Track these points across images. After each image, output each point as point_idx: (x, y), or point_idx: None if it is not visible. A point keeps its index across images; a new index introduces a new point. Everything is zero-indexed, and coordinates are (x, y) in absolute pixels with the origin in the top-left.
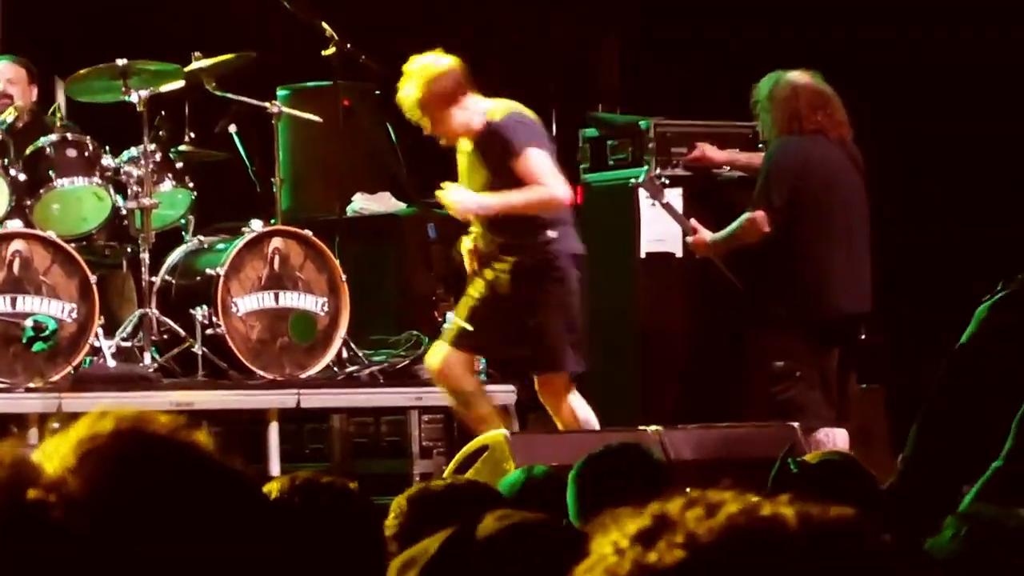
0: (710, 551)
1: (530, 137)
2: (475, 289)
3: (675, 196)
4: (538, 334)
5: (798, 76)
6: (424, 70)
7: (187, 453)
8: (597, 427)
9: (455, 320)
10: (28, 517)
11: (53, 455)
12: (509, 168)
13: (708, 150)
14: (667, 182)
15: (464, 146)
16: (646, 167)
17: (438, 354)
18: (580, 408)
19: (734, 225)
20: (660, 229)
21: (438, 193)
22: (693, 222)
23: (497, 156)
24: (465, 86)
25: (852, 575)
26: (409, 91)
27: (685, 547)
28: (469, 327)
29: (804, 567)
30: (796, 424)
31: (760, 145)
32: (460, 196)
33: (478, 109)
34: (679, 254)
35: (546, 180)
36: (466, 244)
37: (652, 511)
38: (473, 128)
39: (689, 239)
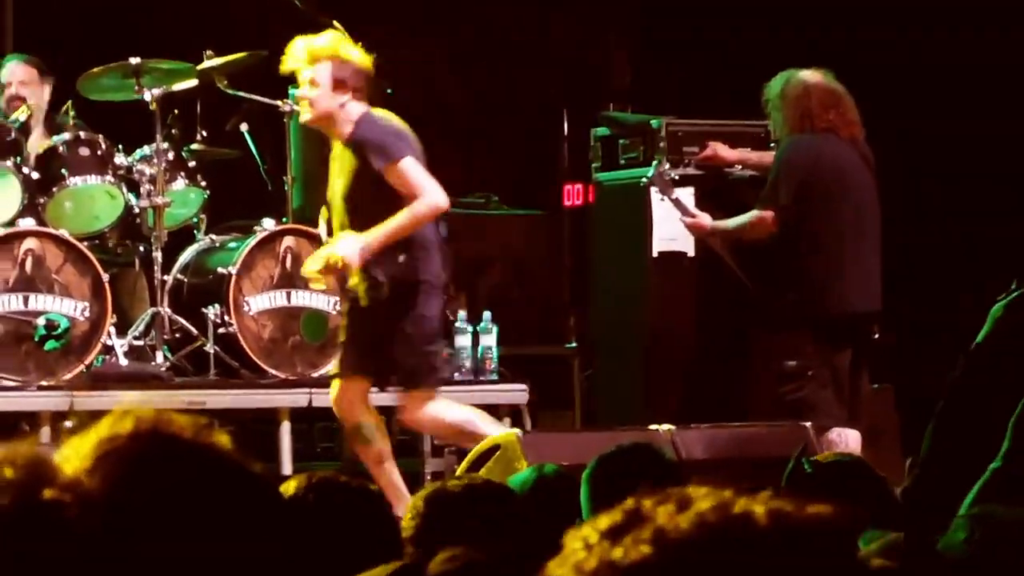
0: (677, 547)
1: (407, 147)
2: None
3: (686, 195)
4: (394, 352)
5: (810, 75)
6: (346, 45)
7: (206, 454)
8: (479, 426)
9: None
10: (42, 517)
11: (72, 455)
12: (378, 176)
13: (720, 149)
14: (676, 177)
15: (336, 147)
16: (655, 163)
17: (333, 387)
18: (450, 413)
19: (743, 218)
20: (672, 228)
21: (314, 268)
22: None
23: (367, 163)
24: (364, 90)
25: (820, 575)
26: (322, 44)
27: (652, 543)
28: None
29: (772, 564)
30: (808, 424)
31: (772, 144)
32: (346, 249)
33: (353, 114)
34: (691, 253)
35: (428, 187)
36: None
37: (625, 506)
38: (345, 130)
39: (686, 219)
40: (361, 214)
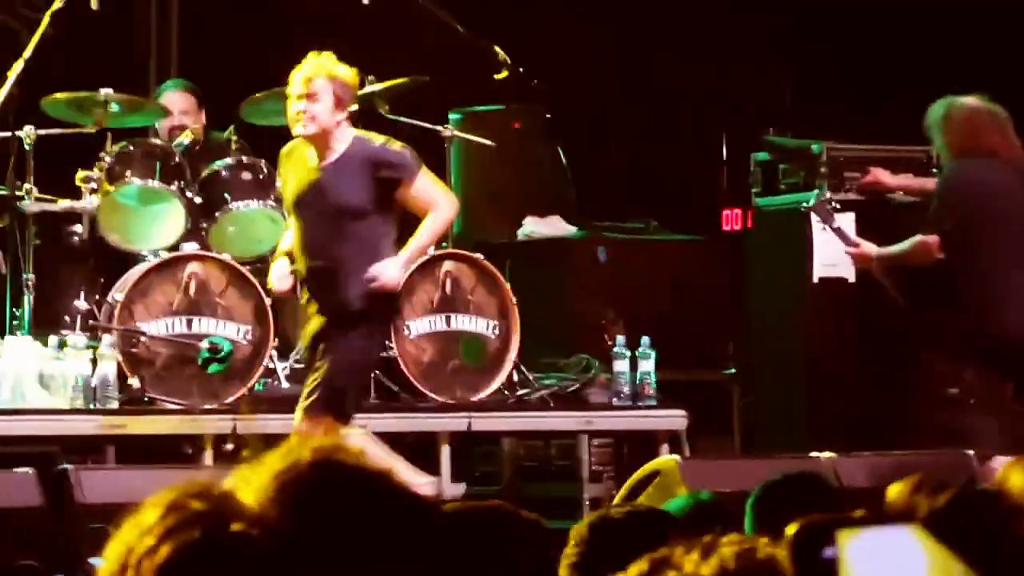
0: None
1: (416, 162)
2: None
3: (847, 221)
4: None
5: (972, 100)
6: (334, 67)
7: (378, 482)
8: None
9: None
10: (230, 549)
11: (250, 485)
12: (381, 192)
13: (881, 175)
14: (838, 206)
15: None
16: (817, 190)
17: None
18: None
19: (906, 244)
20: (833, 253)
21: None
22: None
23: (370, 169)
24: (349, 107)
25: None
26: (331, 66)
27: None
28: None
29: None
30: (971, 452)
31: (934, 169)
32: (389, 274)
33: (346, 135)
34: (851, 279)
35: (440, 198)
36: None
37: (653, 555)
38: (337, 149)
39: (850, 250)
40: (356, 230)
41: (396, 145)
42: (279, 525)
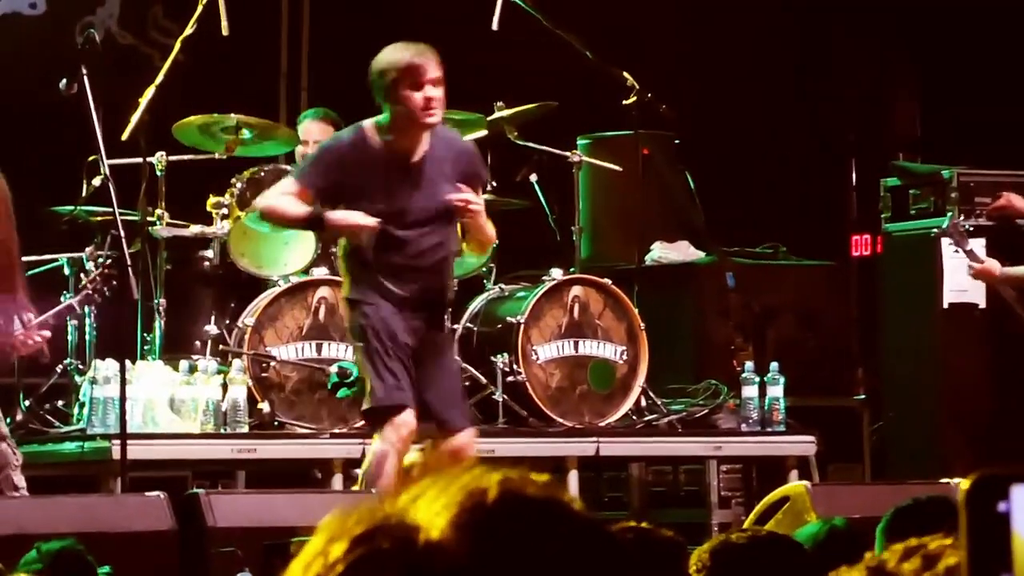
0: None
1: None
2: None
3: (978, 246)
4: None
5: None
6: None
7: (561, 513)
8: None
9: None
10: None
11: (431, 510)
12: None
13: (1014, 199)
14: (971, 228)
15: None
16: (950, 213)
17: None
18: None
19: None
20: (963, 279)
21: (461, 197)
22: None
23: (459, 175)
24: None
25: None
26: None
27: None
28: None
29: None
30: None
31: None
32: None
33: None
34: (982, 304)
35: None
36: None
37: (868, 562)
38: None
39: (975, 265)
40: (451, 228)
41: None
42: (464, 559)
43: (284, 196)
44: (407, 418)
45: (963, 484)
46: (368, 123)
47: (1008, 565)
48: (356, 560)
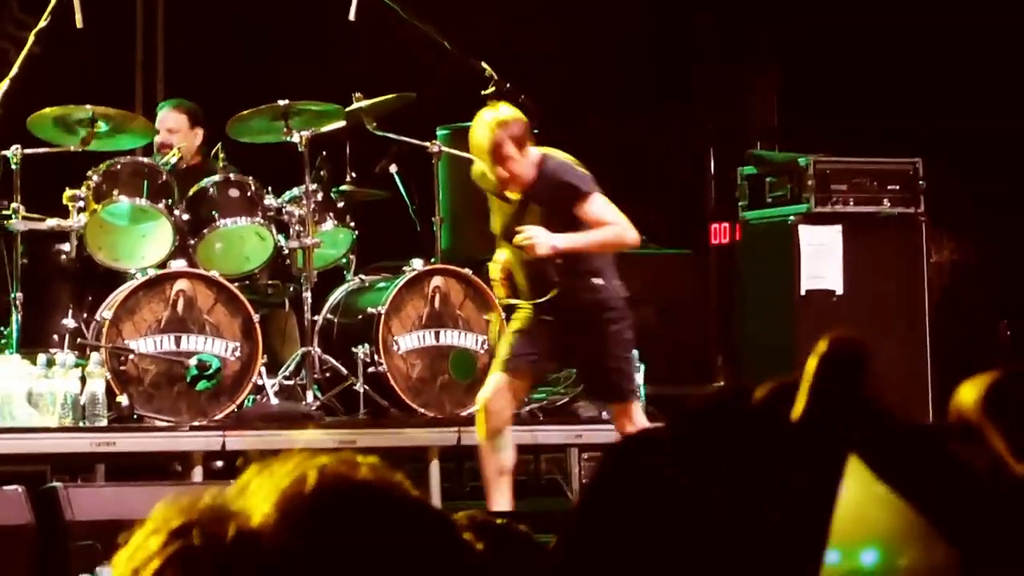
0: None
1: (591, 182)
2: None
3: (834, 233)
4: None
5: None
6: (498, 116)
7: (392, 497)
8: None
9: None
10: (234, 568)
11: (254, 499)
12: (572, 213)
13: None
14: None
15: (510, 197)
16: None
17: (497, 380)
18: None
19: None
20: (819, 266)
21: (517, 238)
22: None
23: (560, 201)
24: (527, 136)
25: None
26: (484, 134)
27: None
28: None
29: None
30: None
31: (921, 182)
32: (540, 236)
33: (533, 159)
34: (840, 291)
35: (618, 220)
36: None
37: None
38: (528, 178)
39: None
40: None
41: (562, 162)
42: (283, 546)
43: None
44: None
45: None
46: None
47: None
48: (171, 555)
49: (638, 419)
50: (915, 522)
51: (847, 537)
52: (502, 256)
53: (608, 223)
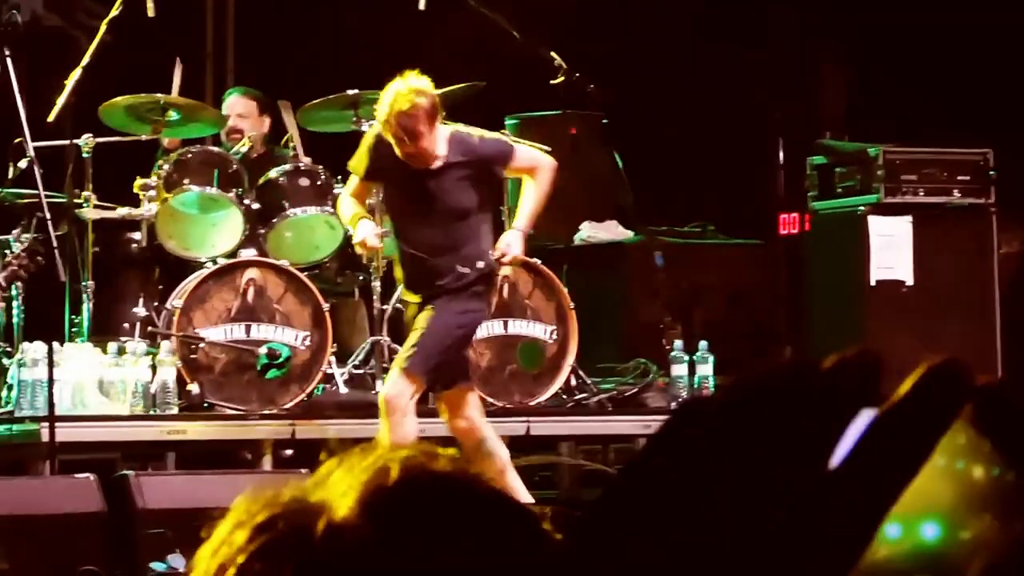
0: None
1: (506, 137)
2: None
3: (904, 223)
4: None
5: None
6: (423, 87)
7: (477, 492)
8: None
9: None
10: (319, 562)
11: (335, 492)
12: (498, 177)
13: None
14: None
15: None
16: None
17: (442, 409)
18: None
19: None
20: (889, 256)
21: (503, 260)
22: None
23: (488, 168)
24: (439, 110)
25: None
26: (420, 101)
27: None
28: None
29: None
30: None
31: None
32: (514, 246)
33: (443, 134)
34: (909, 281)
35: (540, 156)
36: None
37: None
38: (438, 152)
39: None
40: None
41: (490, 135)
42: (367, 539)
43: None
44: None
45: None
46: None
47: None
48: (257, 549)
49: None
50: (978, 494)
51: (908, 510)
52: (375, 230)
53: (537, 166)
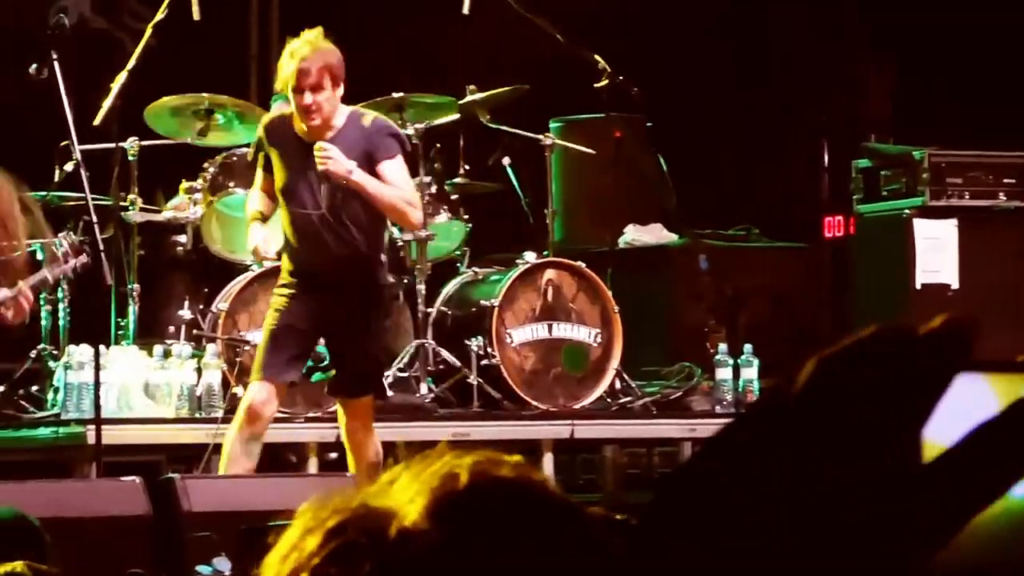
0: None
1: (404, 146)
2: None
3: (949, 227)
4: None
5: None
6: (329, 45)
7: (538, 496)
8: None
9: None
10: (391, 566)
11: (401, 498)
12: (372, 170)
13: None
14: None
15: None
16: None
17: (341, 417)
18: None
19: None
20: (934, 260)
21: (316, 146)
22: None
23: (375, 152)
24: (342, 78)
25: None
26: (325, 48)
27: None
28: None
29: None
30: None
31: None
32: (338, 154)
33: (344, 109)
34: (955, 285)
35: (412, 192)
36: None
37: None
38: (334, 121)
39: None
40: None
41: (384, 126)
42: (437, 544)
43: None
44: None
45: None
46: None
47: None
48: (330, 553)
49: (372, 418)
50: None
51: None
52: (265, 234)
53: (402, 189)
